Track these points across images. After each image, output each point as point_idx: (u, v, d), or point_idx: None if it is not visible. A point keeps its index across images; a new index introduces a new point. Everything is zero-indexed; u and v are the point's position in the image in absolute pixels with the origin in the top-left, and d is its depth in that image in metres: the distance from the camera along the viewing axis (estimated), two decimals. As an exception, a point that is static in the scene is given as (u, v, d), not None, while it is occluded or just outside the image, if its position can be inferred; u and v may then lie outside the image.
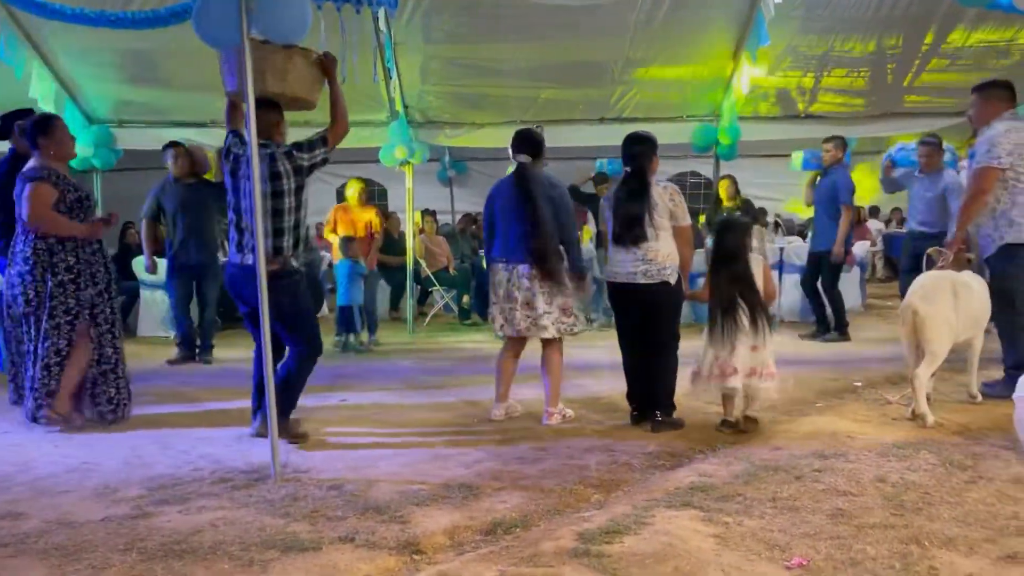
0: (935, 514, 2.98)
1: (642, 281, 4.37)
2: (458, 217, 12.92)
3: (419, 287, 9.68)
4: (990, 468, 3.51)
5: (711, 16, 7.14)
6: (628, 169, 4.50)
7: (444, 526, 3.03)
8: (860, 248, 11.04)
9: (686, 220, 4.45)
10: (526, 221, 4.48)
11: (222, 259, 6.89)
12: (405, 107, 8.25)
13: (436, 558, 2.77)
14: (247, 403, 4.54)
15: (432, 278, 9.55)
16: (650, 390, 4.45)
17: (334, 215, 7.93)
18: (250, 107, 3.64)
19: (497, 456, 3.98)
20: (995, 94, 4.86)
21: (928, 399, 4.36)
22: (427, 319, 9.55)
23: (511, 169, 4.72)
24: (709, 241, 7.55)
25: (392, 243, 9.90)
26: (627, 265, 4.41)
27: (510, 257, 4.56)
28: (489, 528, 3.01)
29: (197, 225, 6.85)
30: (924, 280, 4.51)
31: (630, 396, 4.59)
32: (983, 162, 4.76)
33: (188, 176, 6.88)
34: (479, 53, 7.53)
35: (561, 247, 4.54)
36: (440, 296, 9.76)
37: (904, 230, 8.29)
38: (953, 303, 4.36)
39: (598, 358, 6.50)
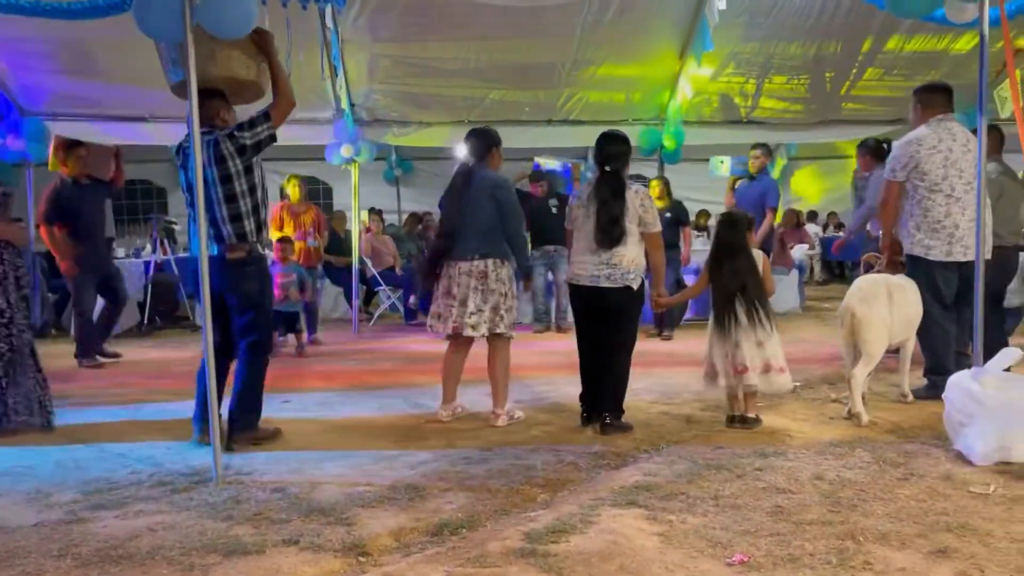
0: (870, 510, 3.07)
1: (605, 285, 4.35)
2: (404, 217, 12.83)
3: (365, 287, 9.60)
4: (921, 465, 3.62)
5: (657, 21, 7.23)
6: (607, 169, 4.43)
7: (390, 527, 3.01)
8: (799, 251, 11.35)
9: (656, 226, 4.41)
10: (464, 219, 4.51)
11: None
12: (352, 105, 8.17)
13: (382, 560, 2.75)
14: (187, 404, 4.43)
15: (378, 277, 9.48)
16: (603, 392, 4.46)
17: (280, 213, 7.76)
18: (192, 99, 3.57)
19: (443, 457, 3.97)
20: (930, 98, 4.88)
21: (863, 398, 4.49)
22: (373, 319, 9.47)
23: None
24: None
25: (338, 242, 9.81)
26: (591, 268, 4.39)
27: (452, 255, 4.56)
28: (435, 529, 3.00)
29: (99, 226, 6.74)
30: (861, 283, 4.65)
31: (583, 397, 4.60)
32: (885, 175, 4.91)
33: (84, 177, 6.71)
34: (427, 52, 7.50)
35: (508, 246, 4.57)
36: (386, 296, 9.70)
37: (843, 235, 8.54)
38: (888, 306, 4.50)
39: (549, 359, 6.55)
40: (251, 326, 4.15)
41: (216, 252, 4.06)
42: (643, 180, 7.26)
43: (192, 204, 4.10)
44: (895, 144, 4.90)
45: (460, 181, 4.61)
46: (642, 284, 4.43)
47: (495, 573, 2.55)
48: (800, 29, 7.24)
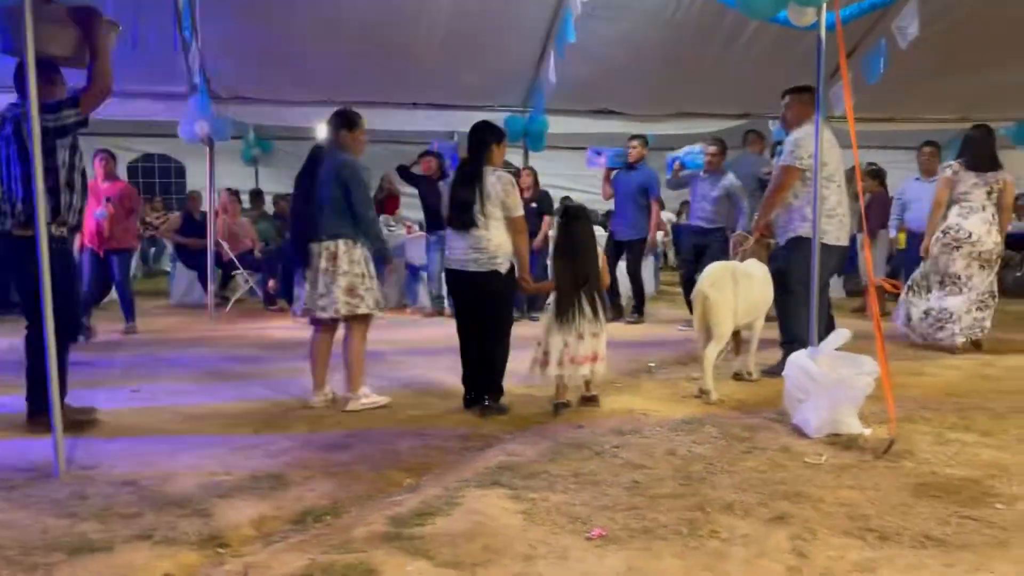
0: (717, 482, 3.27)
1: (472, 268, 4.43)
2: (268, 198, 12.38)
3: (220, 271, 9.23)
4: (763, 439, 3.89)
5: (521, 10, 7.33)
6: (466, 156, 4.57)
7: (250, 517, 2.94)
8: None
9: (518, 211, 4.48)
10: (310, 200, 4.52)
11: None
12: (207, 80, 7.81)
13: (242, 550, 2.68)
14: (23, 396, 4.14)
15: (235, 261, 9.13)
16: (481, 375, 4.53)
17: None
18: (29, 67, 3.34)
19: (306, 444, 3.90)
20: (806, 98, 5.17)
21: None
22: (229, 304, 9.12)
23: None
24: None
25: (193, 224, 9.39)
26: (459, 252, 4.47)
27: (307, 236, 4.55)
28: (298, 517, 2.96)
29: None
30: (711, 270, 4.93)
31: (464, 380, 4.64)
32: (786, 161, 5.19)
33: None
34: (289, 28, 7.26)
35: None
36: (244, 280, 9.36)
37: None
38: (734, 291, 4.79)
39: (430, 344, 6.53)
40: (35, 311, 3.91)
41: (4, 229, 3.96)
42: (512, 167, 7.35)
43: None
44: (797, 135, 5.15)
45: (310, 163, 4.62)
46: (511, 268, 4.51)
47: (360, 558, 2.54)
48: (656, 26, 7.53)
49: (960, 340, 6.13)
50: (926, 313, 6.28)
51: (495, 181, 4.43)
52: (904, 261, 7.97)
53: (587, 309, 4.37)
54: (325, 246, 4.48)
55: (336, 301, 4.48)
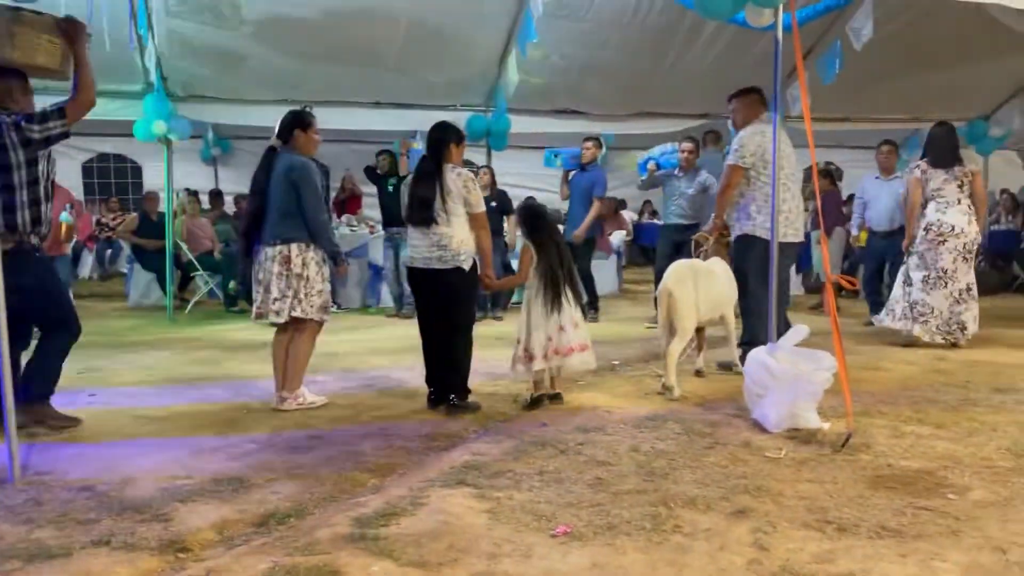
0: (679, 478, 3.31)
1: (436, 266, 4.43)
2: (229, 199, 12.20)
3: (180, 272, 9.10)
4: (725, 434, 3.94)
5: (484, 10, 7.33)
6: (426, 154, 4.58)
7: (212, 521, 2.90)
8: (617, 238, 11.90)
9: (480, 207, 4.50)
10: (266, 203, 4.50)
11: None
12: (164, 79, 7.68)
13: (203, 555, 2.65)
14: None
15: (195, 262, 9.00)
16: (445, 374, 4.52)
17: None
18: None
19: (269, 446, 3.86)
20: (752, 99, 5.34)
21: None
22: (189, 306, 8.99)
23: None
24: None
25: (150, 225, 9.26)
26: (423, 250, 4.46)
27: (260, 239, 4.54)
28: (261, 520, 2.93)
29: None
30: (675, 268, 4.99)
31: (428, 379, 4.63)
32: (731, 160, 5.30)
33: None
34: (248, 27, 7.18)
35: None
36: (204, 281, 9.23)
37: (659, 222, 9.05)
38: (695, 288, 4.85)
39: (391, 344, 6.49)
40: (41, 319, 3.97)
41: None
42: (472, 166, 7.35)
43: None
44: (742, 134, 5.25)
45: (263, 164, 4.60)
46: (474, 265, 4.53)
47: (324, 560, 2.53)
48: (617, 26, 7.57)
49: (916, 331, 6.24)
50: (911, 305, 6.36)
51: (455, 177, 4.45)
52: (864, 259, 8.11)
53: (571, 298, 4.46)
54: (279, 250, 4.45)
55: (287, 304, 4.46)
